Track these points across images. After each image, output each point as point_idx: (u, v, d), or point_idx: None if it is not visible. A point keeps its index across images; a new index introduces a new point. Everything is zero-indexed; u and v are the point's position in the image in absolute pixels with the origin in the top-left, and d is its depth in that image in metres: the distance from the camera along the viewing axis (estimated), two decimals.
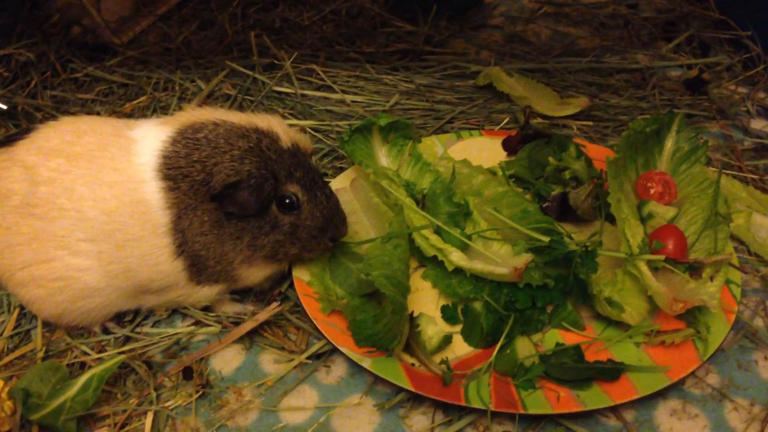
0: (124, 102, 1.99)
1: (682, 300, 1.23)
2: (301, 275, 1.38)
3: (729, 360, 1.27)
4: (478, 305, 1.32)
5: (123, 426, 1.20)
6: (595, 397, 1.17)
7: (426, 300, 1.40)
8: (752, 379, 1.24)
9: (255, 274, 1.32)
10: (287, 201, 1.23)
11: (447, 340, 1.28)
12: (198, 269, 1.25)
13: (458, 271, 1.38)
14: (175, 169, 1.18)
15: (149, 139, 1.22)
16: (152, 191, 1.18)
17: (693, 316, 1.28)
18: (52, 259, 1.20)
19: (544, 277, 1.35)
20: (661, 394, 1.21)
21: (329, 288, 1.36)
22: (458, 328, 1.34)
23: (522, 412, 1.15)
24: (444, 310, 1.36)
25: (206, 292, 1.30)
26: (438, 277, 1.41)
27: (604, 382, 1.20)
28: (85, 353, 1.31)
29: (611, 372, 1.20)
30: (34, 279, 1.22)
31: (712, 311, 1.27)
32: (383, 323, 1.28)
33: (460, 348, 1.30)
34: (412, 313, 1.29)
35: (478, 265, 1.35)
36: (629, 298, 1.30)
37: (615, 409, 1.20)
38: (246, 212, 1.21)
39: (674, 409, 1.20)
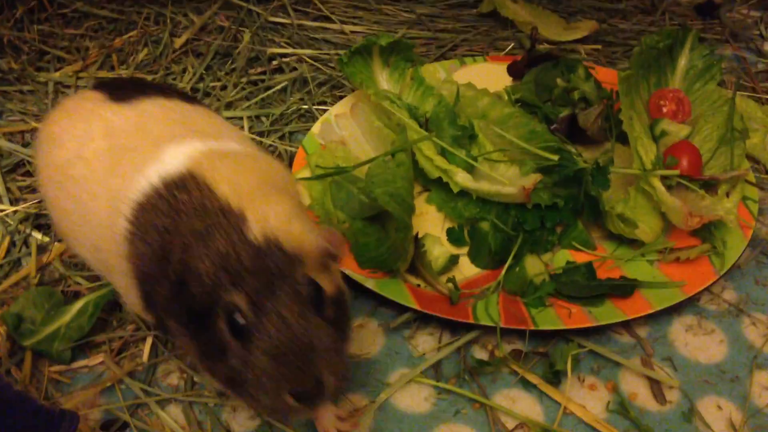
0: (114, 37, 1.91)
1: (698, 214, 1.19)
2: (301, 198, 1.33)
3: (746, 276, 1.23)
4: (485, 225, 1.27)
5: (120, 351, 1.17)
6: (608, 312, 1.13)
7: (431, 223, 1.35)
8: None
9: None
10: (235, 320, 0.79)
11: (453, 260, 1.24)
12: (169, 335, 1.01)
13: (464, 193, 1.33)
14: (142, 219, 0.88)
15: (160, 163, 0.91)
16: (121, 229, 0.90)
17: (708, 232, 1.23)
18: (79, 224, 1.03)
19: (554, 197, 1.30)
20: (676, 311, 1.17)
21: (330, 212, 1.31)
22: (465, 250, 1.29)
23: (532, 328, 1.11)
24: (450, 232, 1.31)
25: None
26: (443, 200, 1.36)
27: (617, 299, 1.15)
28: (79, 283, 1.26)
29: (624, 288, 1.16)
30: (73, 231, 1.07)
31: (729, 227, 1.23)
32: (387, 246, 1.23)
33: (468, 269, 1.25)
34: (417, 234, 1.24)
35: (484, 186, 1.30)
36: (642, 215, 1.25)
37: (628, 326, 1.16)
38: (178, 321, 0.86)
39: (689, 324, 1.16)
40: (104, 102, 1.03)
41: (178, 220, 0.84)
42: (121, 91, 1.05)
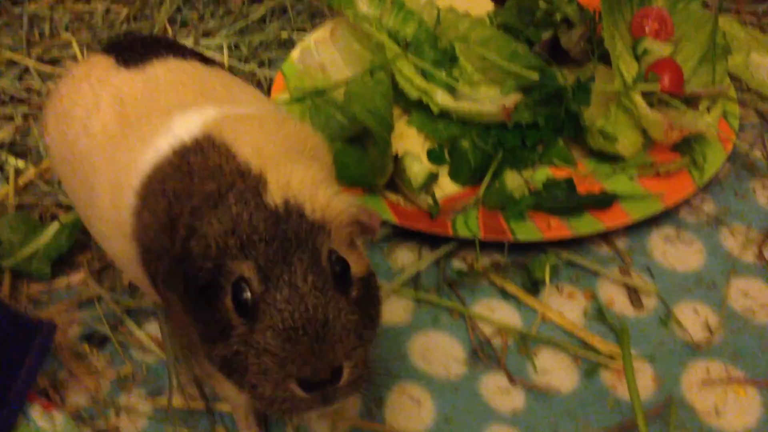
0: None
1: (678, 127, 1.18)
2: None
3: (725, 190, 1.23)
4: (465, 143, 1.27)
5: (100, 272, 1.16)
6: (587, 223, 1.13)
7: (412, 145, 1.34)
8: (749, 206, 1.20)
9: (225, 387, 0.87)
10: (242, 294, 0.68)
11: (433, 177, 1.23)
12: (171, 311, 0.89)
13: (444, 115, 1.32)
14: (150, 189, 0.78)
15: (170, 135, 0.80)
16: (128, 205, 0.80)
17: (688, 146, 1.23)
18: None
19: (535, 115, 1.29)
20: (655, 223, 1.18)
21: None
22: (445, 170, 1.29)
23: (511, 239, 1.11)
24: (430, 152, 1.30)
25: None
26: (423, 122, 1.35)
27: (596, 211, 1.15)
28: (57, 204, 1.26)
29: (604, 201, 1.16)
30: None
31: (709, 141, 1.23)
32: (366, 165, 1.22)
33: (448, 187, 1.25)
34: (397, 153, 1.23)
35: (464, 105, 1.29)
36: (623, 130, 1.24)
37: (607, 239, 1.16)
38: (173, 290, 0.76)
39: (668, 235, 1.17)
40: (112, 68, 0.93)
41: (190, 183, 0.74)
42: (129, 53, 0.95)
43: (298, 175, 0.72)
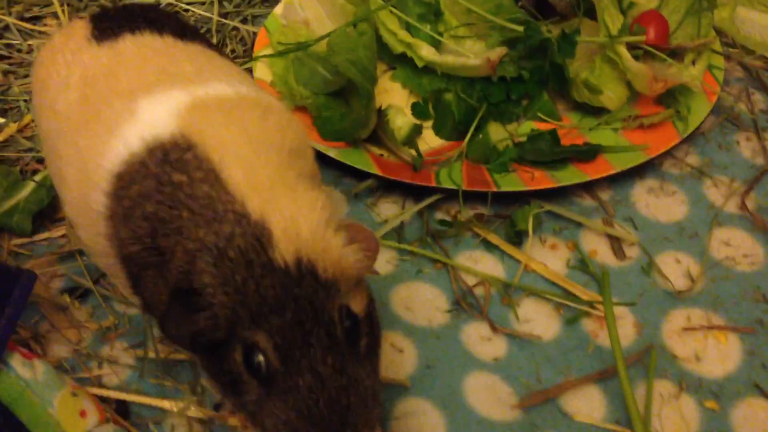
0: None
1: (663, 79, 1.18)
2: (262, 75, 1.31)
3: (710, 142, 1.23)
4: (449, 96, 1.26)
5: None
6: (571, 174, 1.13)
7: (396, 100, 1.33)
8: (733, 158, 1.20)
9: None
10: (253, 359, 0.66)
11: (417, 129, 1.22)
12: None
13: (429, 70, 1.31)
14: (124, 197, 0.72)
15: (138, 122, 0.74)
16: (98, 205, 0.74)
17: (673, 98, 1.23)
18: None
19: (520, 69, 1.28)
20: (639, 175, 1.18)
21: (293, 89, 1.28)
22: (429, 124, 1.28)
23: (494, 190, 1.11)
24: (414, 106, 1.29)
25: None
26: (408, 76, 1.34)
27: (580, 163, 1.15)
28: (38, 160, 1.24)
29: (588, 153, 1.16)
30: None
31: (693, 93, 1.22)
32: (350, 119, 1.21)
33: (432, 140, 1.25)
34: (381, 106, 1.22)
35: (449, 59, 1.27)
36: (608, 82, 1.23)
37: (590, 190, 1.16)
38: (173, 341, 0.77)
39: (651, 187, 1.17)
40: (86, 41, 0.87)
41: (178, 215, 0.68)
42: (107, 25, 0.88)
43: (304, 216, 0.67)
